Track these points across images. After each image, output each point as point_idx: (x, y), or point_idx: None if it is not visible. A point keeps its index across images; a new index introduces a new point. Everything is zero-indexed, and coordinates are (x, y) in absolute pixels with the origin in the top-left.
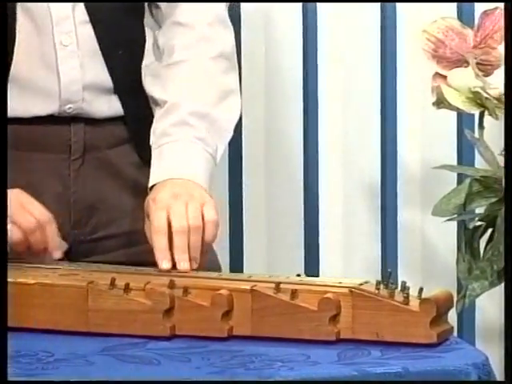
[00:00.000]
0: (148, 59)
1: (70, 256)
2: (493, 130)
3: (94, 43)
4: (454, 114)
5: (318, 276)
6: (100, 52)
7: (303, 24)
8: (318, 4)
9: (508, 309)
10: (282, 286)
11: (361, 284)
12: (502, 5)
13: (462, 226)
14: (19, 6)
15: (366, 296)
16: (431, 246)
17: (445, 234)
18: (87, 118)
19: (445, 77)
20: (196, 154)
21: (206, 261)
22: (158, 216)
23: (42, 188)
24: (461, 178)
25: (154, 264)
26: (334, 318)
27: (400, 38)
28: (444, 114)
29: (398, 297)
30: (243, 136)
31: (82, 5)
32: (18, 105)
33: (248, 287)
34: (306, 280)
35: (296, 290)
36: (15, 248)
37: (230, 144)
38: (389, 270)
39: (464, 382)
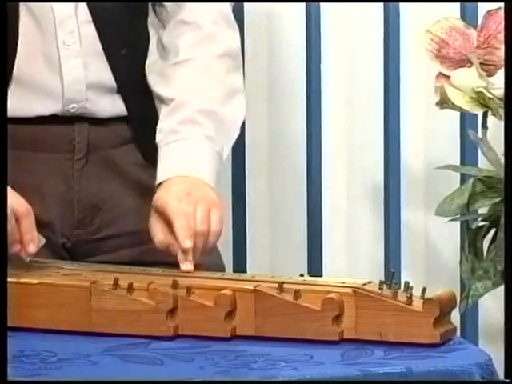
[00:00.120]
0: (152, 57)
1: (73, 256)
2: (496, 130)
3: (97, 43)
4: (457, 114)
5: (321, 276)
6: (103, 52)
7: (306, 25)
8: (322, 4)
9: (508, 309)
10: (285, 286)
11: (364, 284)
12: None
13: (465, 226)
14: (22, 5)
15: (370, 296)
16: (434, 247)
17: (448, 234)
18: (91, 117)
19: (448, 77)
20: (205, 153)
21: (209, 261)
22: (179, 219)
23: (45, 188)
24: (464, 178)
25: (157, 264)
26: (338, 318)
27: (403, 38)
28: (447, 114)
29: (402, 297)
30: (246, 136)
31: (84, 4)
32: (22, 104)
33: (251, 287)
34: (310, 280)
35: (299, 290)
36: None
37: (233, 144)
38: (392, 270)
39: (467, 382)
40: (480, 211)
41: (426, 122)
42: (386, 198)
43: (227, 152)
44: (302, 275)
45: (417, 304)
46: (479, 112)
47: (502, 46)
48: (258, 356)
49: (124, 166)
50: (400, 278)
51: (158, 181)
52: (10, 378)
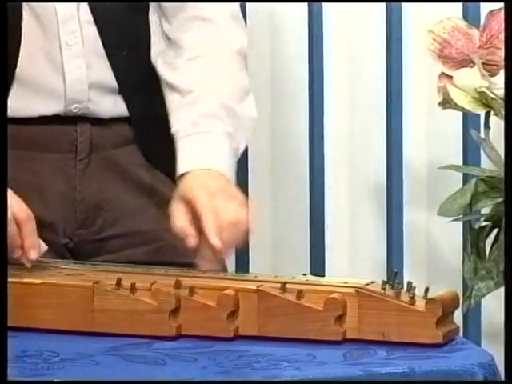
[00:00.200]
0: (157, 48)
1: (75, 256)
2: (498, 130)
3: (99, 43)
4: (460, 114)
5: (323, 276)
6: (104, 52)
7: (309, 25)
8: (324, 4)
9: (508, 309)
10: (287, 286)
11: (367, 284)
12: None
13: (468, 226)
14: (25, 5)
15: (372, 296)
16: (437, 246)
17: (450, 234)
18: (93, 117)
19: (451, 77)
20: (225, 149)
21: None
22: (208, 216)
23: (47, 188)
24: (466, 178)
25: (159, 264)
26: (340, 318)
27: (406, 39)
28: (450, 114)
29: (404, 297)
30: None
31: (86, 5)
32: (24, 104)
33: (254, 287)
34: (312, 280)
35: (302, 290)
36: None
37: None
38: (395, 270)
39: (467, 383)
40: (482, 211)
41: (429, 122)
42: (388, 198)
43: (241, 150)
44: (304, 275)
45: (419, 304)
46: (482, 112)
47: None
48: (261, 356)
49: (126, 166)
50: (402, 278)
51: (180, 171)
52: (10, 378)
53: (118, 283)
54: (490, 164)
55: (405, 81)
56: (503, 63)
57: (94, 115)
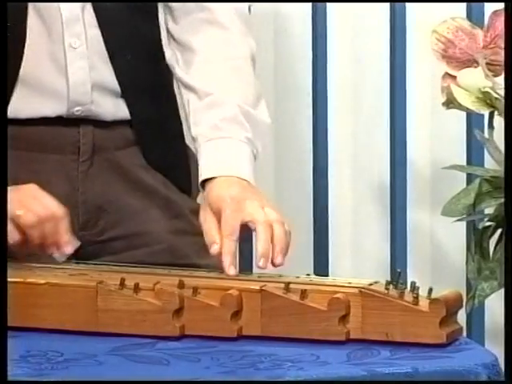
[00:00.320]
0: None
1: (78, 257)
2: (502, 130)
3: (103, 46)
4: (464, 114)
5: (327, 276)
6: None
7: (312, 25)
8: (328, 4)
9: (508, 309)
10: (291, 286)
11: (370, 284)
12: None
13: (472, 227)
14: (31, 6)
15: (376, 296)
16: (441, 247)
17: (454, 235)
18: (96, 120)
19: (454, 77)
20: (247, 155)
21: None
22: (232, 217)
23: (50, 189)
24: (470, 179)
25: (161, 266)
26: (344, 318)
27: (409, 39)
28: (453, 114)
29: (408, 297)
30: None
31: (91, 7)
32: (27, 105)
33: (257, 287)
34: (316, 280)
35: (305, 290)
36: (29, 234)
37: None
38: (398, 270)
39: (472, 383)
40: (486, 211)
41: (433, 122)
42: (392, 198)
43: (258, 156)
44: (308, 275)
45: (423, 304)
46: (485, 112)
47: None
48: (265, 356)
49: (129, 167)
50: (406, 278)
51: (203, 177)
52: (10, 378)
53: (122, 283)
54: (493, 164)
55: (408, 81)
56: None
57: (96, 117)
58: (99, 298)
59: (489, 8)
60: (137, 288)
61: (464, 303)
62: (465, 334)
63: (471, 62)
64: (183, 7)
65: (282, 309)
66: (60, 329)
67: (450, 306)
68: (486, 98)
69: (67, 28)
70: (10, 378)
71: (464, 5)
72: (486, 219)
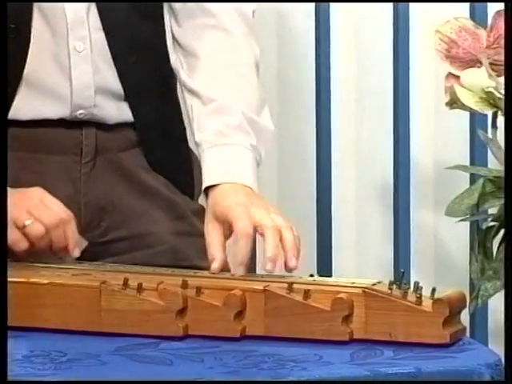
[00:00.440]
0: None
1: (80, 258)
2: None
3: (107, 49)
4: (467, 114)
5: (330, 276)
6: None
7: (316, 25)
8: (331, 4)
9: (509, 308)
10: (294, 286)
11: (374, 284)
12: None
13: (475, 227)
14: (36, 8)
15: (379, 296)
16: (444, 247)
17: (457, 235)
18: (98, 122)
19: (458, 77)
20: (251, 163)
21: None
22: (243, 219)
23: (53, 190)
24: (474, 179)
25: (164, 267)
26: (347, 318)
27: (413, 39)
28: (457, 114)
29: (411, 297)
30: None
31: (95, 10)
32: (30, 106)
33: (261, 287)
34: (319, 280)
35: (309, 290)
36: (38, 243)
37: None
38: (401, 270)
39: (475, 383)
40: (490, 211)
41: (436, 122)
42: (395, 198)
43: (261, 163)
44: (311, 275)
45: (426, 304)
46: (489, 112)
47: None
48: (268, 356)
49: (131, 169)
50: (409, 278)
51: (207, 183)
52: (10, 378)
53: (125, 283)
54: (497, 164)
55: (412, 81)
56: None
57: (99, 120)
58: (102, 298)
59: (492, 8)
60: (140, 288)
61: (467, 303)
62: (468, 334)
63: (474, 62)
64: (186, 10)
65: (286, 309)
66: (63, 329)
67: (454, 306)
68: (489, 98)
69: (72, 31)
70: (9, 378)
71: (467, 5)
72: (489, 219)
